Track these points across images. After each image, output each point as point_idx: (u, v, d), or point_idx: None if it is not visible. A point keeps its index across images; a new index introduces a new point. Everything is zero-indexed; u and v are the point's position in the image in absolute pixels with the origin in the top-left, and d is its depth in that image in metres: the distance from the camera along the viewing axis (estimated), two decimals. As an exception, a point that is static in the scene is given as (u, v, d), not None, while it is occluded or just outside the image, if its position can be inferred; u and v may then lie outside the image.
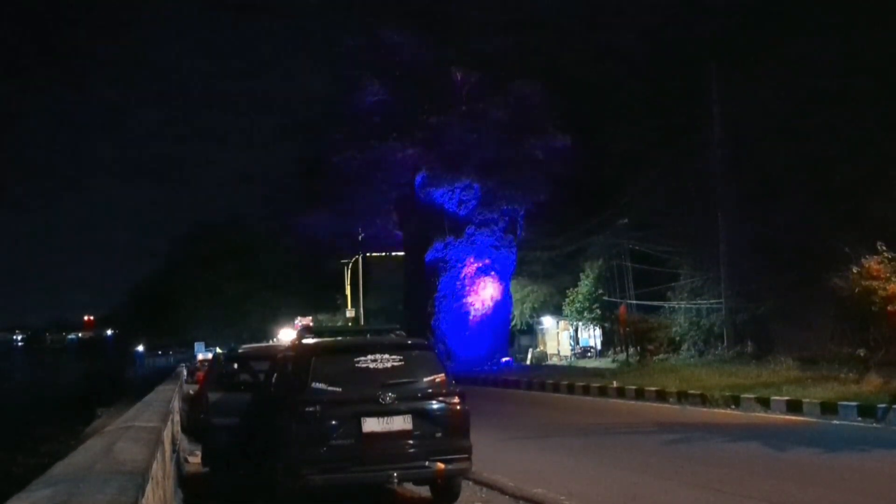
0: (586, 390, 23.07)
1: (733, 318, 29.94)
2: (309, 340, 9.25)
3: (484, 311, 39.49)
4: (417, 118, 40.15)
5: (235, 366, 11.86)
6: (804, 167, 27.74)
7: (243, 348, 13.87)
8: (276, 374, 9.58)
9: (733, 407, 17.03)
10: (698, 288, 32.69)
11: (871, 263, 18.49)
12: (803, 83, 28.19)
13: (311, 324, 38.99)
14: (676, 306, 33.55)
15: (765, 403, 16.38)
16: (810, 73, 27.97)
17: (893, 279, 18.17)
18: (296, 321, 44.14)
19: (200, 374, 21.79)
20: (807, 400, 15.66)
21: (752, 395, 17.06)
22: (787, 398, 16.12)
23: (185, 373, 32.72)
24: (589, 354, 40.54)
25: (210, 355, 33.75)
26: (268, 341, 38.00)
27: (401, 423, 8.14)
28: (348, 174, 40.61)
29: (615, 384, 22.29)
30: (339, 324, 47.22)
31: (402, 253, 44.84)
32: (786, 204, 28.32)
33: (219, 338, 61.28)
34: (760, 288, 29.29)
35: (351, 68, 40.71)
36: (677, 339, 32.77)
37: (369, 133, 40.27)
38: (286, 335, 37.46)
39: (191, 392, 18.64)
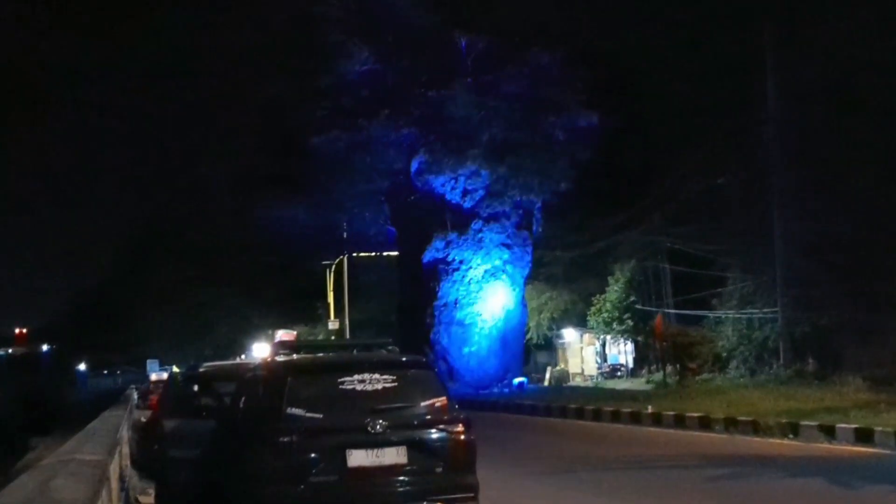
0: (616, 416, 23.04)
1: (791, 330, 29.92)
2: (284, 357, 9.25)
3: (493, 323, 39.49)
4: (414, 92, 40.13)
5: (196, 388, 11.85)
6: (878, 151, 27.68)
7: (205, 367, 13.84)
8: (244, 398, 9.56)
9: (791, 436, 17.01)
10: (749, 295, 32.68)
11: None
12: (880, 49, 28.07)
13: (293, 338, 39.01)
14: (723, 316, 33.53)
15: (829, 432, 16.36)
16: (889, 37, 27.83)
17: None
18: (276, 334, 44.22)
19: (154, 398, 21.77)
20: (879, 428, 15.64)
21: (813, 423, 17.04)
22: (855, 426, 16.10)
23: (135, 396, 32.70)
24: (619, 374, 40.53)
25: (165, 375, 33.68)
26: (235, 358, 38.01)
27: (393, 456, 8.12)
28: (331, 158, 40.59)
29: (650, 409, 22.26)
30: (321, 337, 47.23)
31: (395, 253, 44.84)
32: (855, 195, 28.28)
33: (176, 354, 61.33)
34: (824, 295, 29.25)
35: (335, 32, 40.66)
36: (724, 355, 32.76)
37: (356, 109, 40.23)
38: (260, 351, 37.48)
39: (142, 419, 18.63)
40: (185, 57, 43.21)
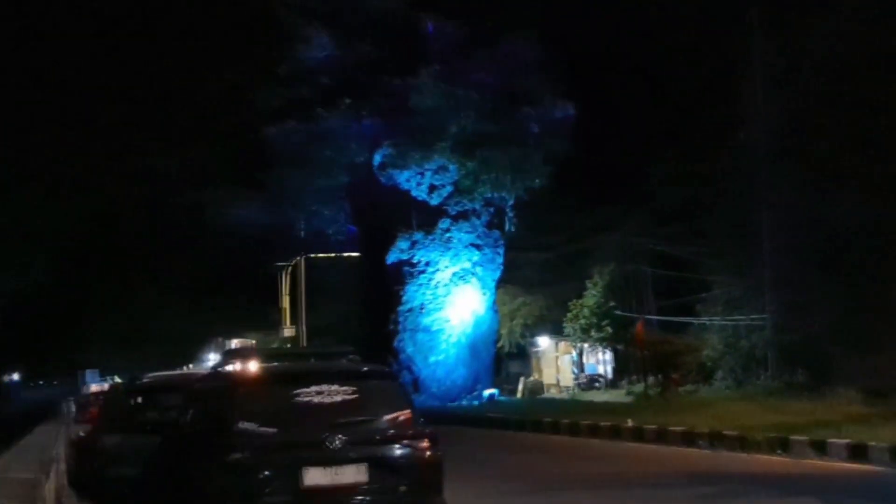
0: (594, 431, 23.09)
1: (780, 338, 30.13)
2: (235, 366, 9.18)
3: (462, 329, 39.51)
4: (377, 80, 40.06)
5: (139, 400, 11.77)
6: (874, 147, 27.86)
7: (149, 377, 13.75)
8: (191, 411, 9.51)
9: (780, 452, 17.12)
10: (736, 300, 32.89)
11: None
12: (873, 37, 28.27)
13: (250, 346, 38.73)
14: (708, 323, 33.74)
15: (820, 448, 16.48)
16: (887, 23, 27.99)
17: None
18: (230, 343, 43.93)
19: (93, 411, 21.57)
20: (874, 443, 15.77)
21: (804, 437, 17.16)
22: (848, 441, 16.23)
23: (72, 409, 32.41)
24: (597, 385, 40.66)
25: (106, 386, 33.45)
26: (182, 368, 37.78)
27: (353, 474, 8.09)
28: (287, 151, 40.47)
29: (631, 423, 22.33)
30: (275, 345, 47.01)
31: (356, 254, 44.72)
32: (849, 194, 28.45)
33: (118, 363, 60.85)
34: (815, 300, 29.47)
35: (291, 15, 40.52)
36: (709, 364, 32.95)
37: (314, 98, 40.13)
38: (209, 360, 37.29)
39: (80, 434, 18.43)
40: (126, 40, 42.93)
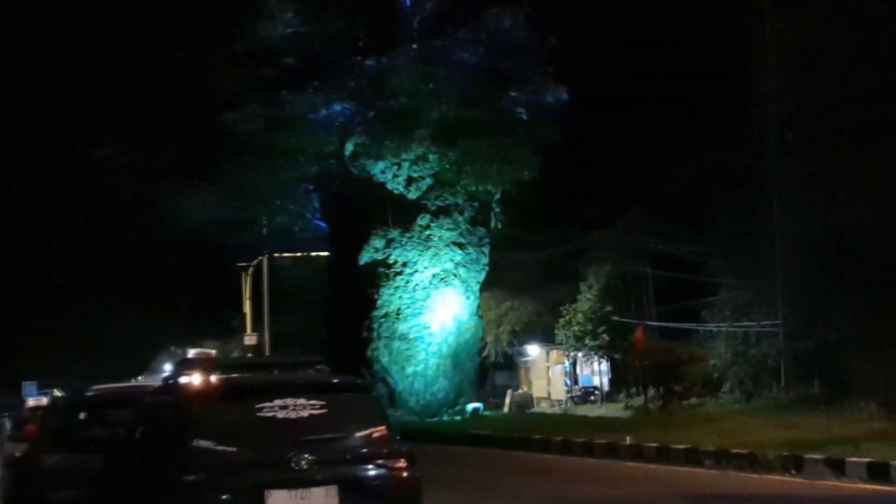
0: (588, 449, 23.13)
1: (794, 346, 30.25)
2: (190, 378, 9.14)
3: (443, 337, 39.50)
4: (348, 60, 40.03)
5: (82, 415, 11.71)
6: (893, 143, 27.96)
7: (94, 390, 13.68)
8: (141, 428, 9.47)
9: (794, 472, 17.19)
10: (745, 305, 33.01)
11: None
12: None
13: (207, 355, 38.50)
14: (715, 330, 33.84)
15: (837, 467, 16.54)
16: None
17: None
18: (188, 353, 43.68)
19: (31, 428, 21.47)
20: (896, 462, 15.87)
21: (819, 456, 17.23)
22: (868, 460, 16.31)
23: (8, 425, 32.28)
24: (592, 398, 40.73)
25: (46, 400, 33.26)
26: (131, 380, 37.60)
27: (322, 497, 8.07)
28: (247, 139, 40.36)
29: (629, 440, 22.39)
30: (236, 354, 46.90)
31: (325, 253, 44.65)
32: (869, 190, 28.54)
33: (60, 375, 60.46)
34: (832, 305, 29.62)
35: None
36: (716, 376, 33.05)
37: (278, 80, 40.04)
38: (162, 371, 37.15)
39: (17, 454, 18.35)
40: (69, 19, 42.73)
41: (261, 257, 46.73)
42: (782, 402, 28.56)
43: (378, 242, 39.44)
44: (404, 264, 39.37)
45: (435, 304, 39.34)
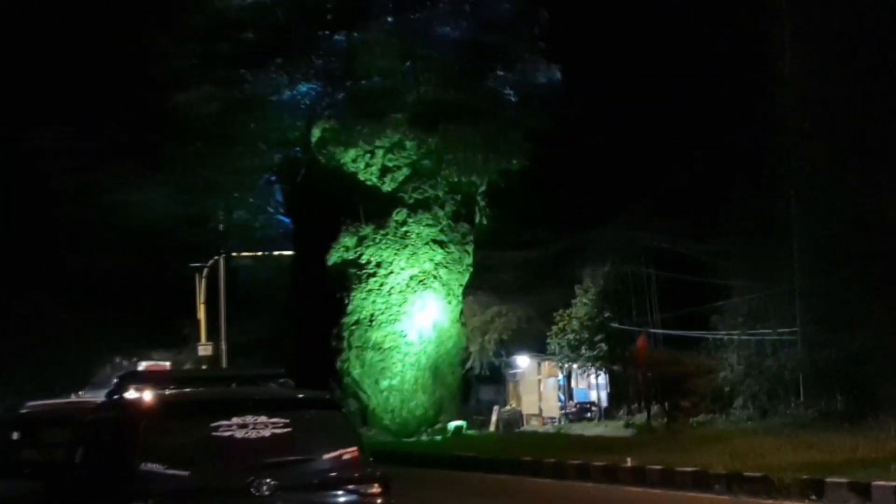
0: (585, 472, 23.15)
1: (815, 357, 30.36)
2: (137, 393, 9.16)
3: (422, 347, 39.53)
4: (316, 35, 40.00)
5: (15, 436, 11.69)
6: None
7: (28, 407, 13.68)
8: (82, 450, 9.47)
9: (814, 497, 17.26)
10: (760, 310, 33.14)
11: None
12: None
13: (157, 368, 38.43)
14: (726, 338, 33.96)
15: (863, 492, 16.62)
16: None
17: None
18: (140, 366, 43.62)
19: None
20: (929, 486, 15.95)
21: (842, 479, 17.29)
22: (897, 483, 16.41)
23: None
24: (589, 415, 40.85)
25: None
26: (70, 396, 37.49)
27: (286, 527, 8.12)
28: (202, 124, 40.26)
29: (630, 462, 22.42)
30: (188, 366, 46.81)
31: (289, 252, 44.60)
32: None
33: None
34: (857, 310, 29.75)
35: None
36: (727, 389, 33.17)
37: (237, 58, 39.98)
38: (105, 385, 36.98)
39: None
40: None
41: (217, 257, 46.65)
42: (801, 420, 28.66)
43: (348, 240, 39.43)
44: (378, 265, 39.37)
45: (412, 310, 39.34)
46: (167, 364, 45.50)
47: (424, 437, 38.21)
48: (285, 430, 8.36)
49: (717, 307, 34.69)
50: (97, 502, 8.33)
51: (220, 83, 39.93)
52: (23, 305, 62.96)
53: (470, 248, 40.29)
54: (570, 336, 38.65)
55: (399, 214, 39.24)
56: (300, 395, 9.16)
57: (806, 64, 30.24)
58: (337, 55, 39.51)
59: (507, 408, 43.11)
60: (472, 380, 44.14)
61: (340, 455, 8.54)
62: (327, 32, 39.78)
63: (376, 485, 8.50)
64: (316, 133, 39.68)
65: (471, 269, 40.49)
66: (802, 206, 30.13)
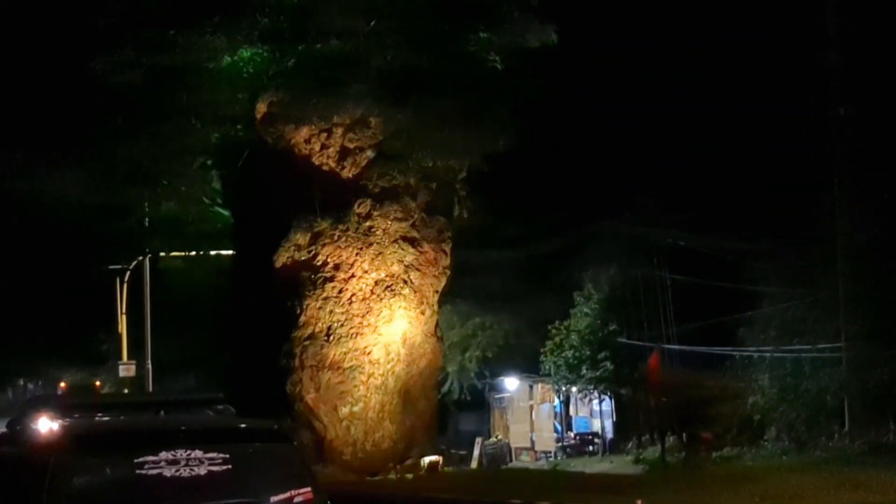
0: (585, 518, 23.31)
1: (862, 378, 30.55)
2: (44, 423, 9.15)
3: (389, 366, 39.61)
4: (260, -11, 40.02)
5: None
6: None
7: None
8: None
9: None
10: (796, 322, 33.32)
11: None
12: None
13: (94, 385, 38.30)
14: (756, 356, 34.13)
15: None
16: None
17: None
18: (39, 387, 43.57)
19: None
20: None
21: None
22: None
23: None
24: (591, 448, 41.01)
25: None
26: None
27: (225, 587, 8.14)
28: (122, 95, 40.20)
29: (640, 505, 22.58)
30: (107, 389, 46.80)
31: (229, 252, 44.63)
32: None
33: None
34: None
35: None
36: (757, 418, 33.35)
37: (165, 16, 39.94)
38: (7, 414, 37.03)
39: None
40: None
41: (141, 257, 46.63)
42: (846, 454, 28.88)
43: (301, 237, 39.47)
44: (336, 267, 39.43)
45: (378, 322, 39.42)
46: (97, 382, 45.61)
47: (392, 476, 38.28)
48: (224, 466, 8.38)
49: (746, 318, 34.87)
50: (-6, 557, 8.33)
51: (145, 48, 39.82)
52: None
53: (447, 247, 40.36)
54: (569, 353, 38.84)
55: (362, 206, 39.32)
56: (242, 425, 9.19)
57: (852, 44, 30.45)
58: (286, 12, 39.50)
59: (492, 440, 43.29)
60: (449, 406, 44.26)
61: (290, 497, 8.57)
62: (274, -15, 39.80)
63: (334, 533, 8.54)
64: (261, 108, 39.71)
65: (448, 273, 40.57)
66: (847, 200, 30.33)
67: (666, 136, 35.95)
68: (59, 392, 44.10)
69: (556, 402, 43.59)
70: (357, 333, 39.41)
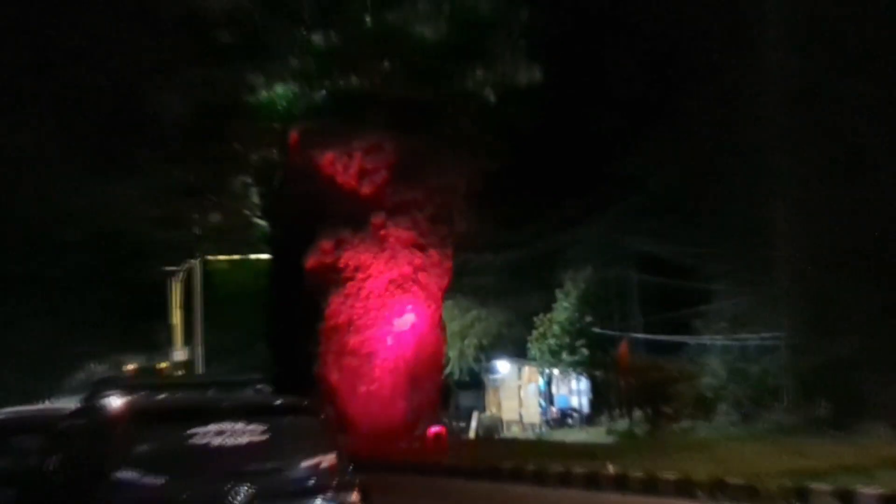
0: (566, 480, 23.19)
1: (799, 362, 30.48)
2: (112, 400, 9.12)
3: (400, 352, 39.49)
4: (292, 36, 39.96)
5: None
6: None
7: (2, 413, 13.64)
8: (55, 457, 9.42)
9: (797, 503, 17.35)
10: (744, 314, 33.25)
11: None
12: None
13: (132, 373, 38.32)
14: (710, 343, 34.06)
15: (847, 498, 16.70)
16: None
17: None
18: (108, 369, 43.55)
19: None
20: (914, 492, 16.03)
21: (827, 486, 17.38)
22: (882, 491, 16.46)
23: None
24: (570, 422, 40.92)
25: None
26: (42, 402, 37.40)
27: (264, 536, 8.09)
28: (175, 126, 40.19)
29: (612, 469, 22.48)
30: (165, 371, 46.71)
31: (266, 256, 44.54)
32: (885, 185, 28.75)
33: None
34: (843, 315, 29.84)
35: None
36: (710, 395, 33.26)
37: (212, 59, 39.88)
38: (78, 391, 36.91)
39: None
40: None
41: (192, 260, 46.54)
42: (785, 426, 28.80)
43: (326, 244, 39.37)
44: (356, 269, 39.29)
45: (391, 315, 39.31)
46: (165, 364, 45.59)
47: (403, 444, 38.15)
48: (263, 436, 8.36)
49: (701, 311, 34.81)
50: (72, 511, 8.27)
51: (194, 83, 39.82)
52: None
53: (450, 252, 40.23)
54: (551, 341, 38.74)
55: (377, 217, 39.21)
56: (278, 402, 9.15)
57: (791, 63, 30.32)
58: (315, 54, 39.47)
59: (487, 414, 43.15)
60: (451, 385, 44.16)
61: (319, 462, 8.54)
62: (304, 32, 39.73)
63: (355, 492, 8.52)
64: (293, 135, 39.67)
65: (450, 273, 40.46)
66: (788, 207, 30.23)
67: (633, 156, 35.86)
68: (128, 374, 43.97)
69: (541, 382, 43.50)
70: (373, 325, 39.29)
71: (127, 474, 8.02)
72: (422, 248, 39.63)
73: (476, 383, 45.18)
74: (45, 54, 42.76)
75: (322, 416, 9.38)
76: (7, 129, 44.19)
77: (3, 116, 44.76)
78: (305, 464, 8.51)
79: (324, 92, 39.73)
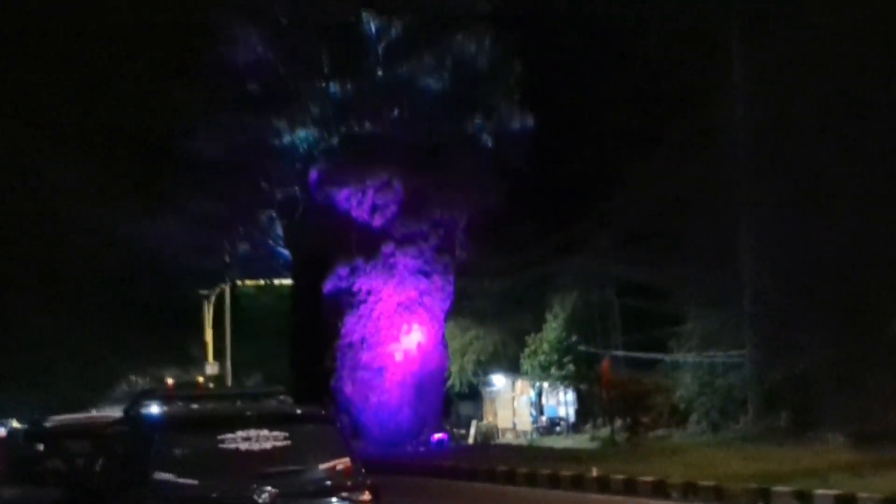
0: (554, 481, 23.17)
1: (761, 377, 30.43)
2: (152, 409, 9.16)
3: (407, 367, 39.45)
4: (312, 86, 40.08)
5: (40, 447, 11.67)
6: (869, 163, 28.02)
7: (52, 421, 13.65)
8: (101, 460, 9.45)
9: (762, 504, 17.33)
10: (713, 334, 33.19)
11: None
12: (868, 43, 28.33)
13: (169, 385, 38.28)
14: (682, 360, 34.00)
15: (805, 499, 16.69)
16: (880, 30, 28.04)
17: None
18: (146, 382, 43.52)
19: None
20: (864, 495, 16.00)
21: (787, 488, 17.36)
22: (836, 492, 16.47)
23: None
24: (558, 429, 40.78)
25: (3, 431, 32.97)
26: (89, 411, 37.34)
27: (285, 530, 8.11)
28: (208, 165, 40.21)
29: (596, 472, 22.45)
30: (202, 384, 46.64)
31: (288, 281, 44.52)
32: (840, 216, 28.62)
33: (12, 405, 59.82)
34: (801, 335, 29.81)
35: (216, 10, 40.33)
36: (683, 407, 33.20)
37: (241, 106, 39.96)
38: (119, 402, 36.83)
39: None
40: (16, 37, 42.40)
41: (223, 285, 46.56)
42: (749, 434, 28.74)
43: (342, 271, 39.37)
44: (368, 293, 39.31)
45: (399, 334, 39.30)
46: (201, 379, 45.55)
47: (410, 449, 38.08)
48: (285, 442, 8.40)
49: (674, 332, 34.77)
50: (115, 508, 8.31)
51: (227, 127, 39.91)
52: (42, 330, 62.58)
53: (451, 278, 40.25)
54: (541, 357, 38.68)
55: (387, 247, 39.26)
56: (298, 411, 9.20)
57: (755, 107, 30.35)
58: (332, 104, 39.60)
59: (484, 422, 43.04)
60: (452, 396, 44.08)
61: (334, 465, 8.57)
62: (323, 84, 39.88)
63: (366, 492, 8.55)
64: (313, 175, 39.75)
65: (452, 297, 40.47)
66: (752, 236, 30.23)
67: (614, 191, 35.86)
68: (167, 387, 43.97)
69: (532, 394, 43.35)
70: (384, 342, 39.27)
71: (165, 475, 8.07)
72: (427, 275, 39.65)
73: (474, 395, 45.02)
74: (94, 98, 42.93)
75: (337, 425, 9.41)
76: (64, 166, 44.41)
77: (58, 155, 44.93)
78: (322, 467, 8.54)
79: (340, 136, 39.84)
